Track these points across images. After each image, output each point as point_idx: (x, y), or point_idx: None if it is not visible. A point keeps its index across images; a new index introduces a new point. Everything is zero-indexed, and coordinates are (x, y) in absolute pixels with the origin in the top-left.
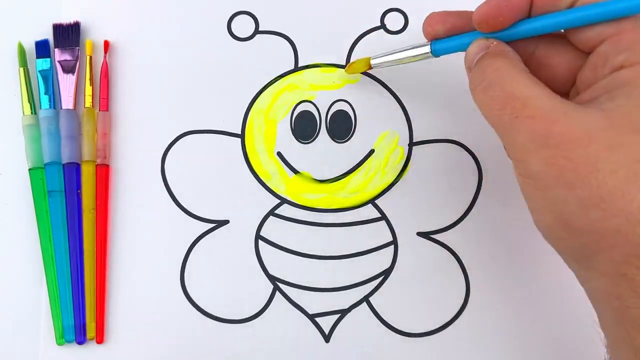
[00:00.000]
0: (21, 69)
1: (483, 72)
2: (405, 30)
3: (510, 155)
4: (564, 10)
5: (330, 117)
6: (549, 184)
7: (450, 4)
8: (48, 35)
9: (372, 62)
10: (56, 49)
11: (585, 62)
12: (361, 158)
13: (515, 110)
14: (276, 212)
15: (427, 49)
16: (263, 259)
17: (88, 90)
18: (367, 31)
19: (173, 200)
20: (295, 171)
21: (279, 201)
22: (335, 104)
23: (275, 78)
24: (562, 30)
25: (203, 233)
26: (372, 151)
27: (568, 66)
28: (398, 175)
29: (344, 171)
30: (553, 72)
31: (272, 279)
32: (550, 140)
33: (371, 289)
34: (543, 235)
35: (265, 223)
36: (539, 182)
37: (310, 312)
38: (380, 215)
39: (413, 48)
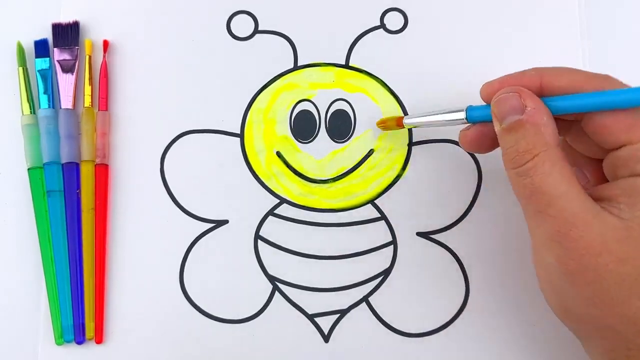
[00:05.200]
0: (20, 68)
1: (521, 157)
2: (405, 30)
3: (531, 236)
4: (586, 94)
5: (330, 116)
6: (557, 277)
7: (450, 4)
8: (47, 34)
9: (405, 121)
10: (55, 49)
11: (607, 156)
12: (361, 158)
13: (540, 205)
14: (275, 212)
15: (462, 114)
16: (262, 259)
17: (87, 89)
18: (366, 30)
19: (172, 200)
20: (295, 171)
21: (278, 201)
22: (335, 103)
23: (274, 77)
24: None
25: (202, 233)
26: (371, 151)
27: (594, 153)
28: (397, 175)
29: (344, 171)
30: (583, 150)
31: (272, 278)
32: (565, 242)
33: (370, 289)
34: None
35: (265, 223)
36: (548, 272)
37: (310, 312)
38: (379, 215)
39: (449, 112)
